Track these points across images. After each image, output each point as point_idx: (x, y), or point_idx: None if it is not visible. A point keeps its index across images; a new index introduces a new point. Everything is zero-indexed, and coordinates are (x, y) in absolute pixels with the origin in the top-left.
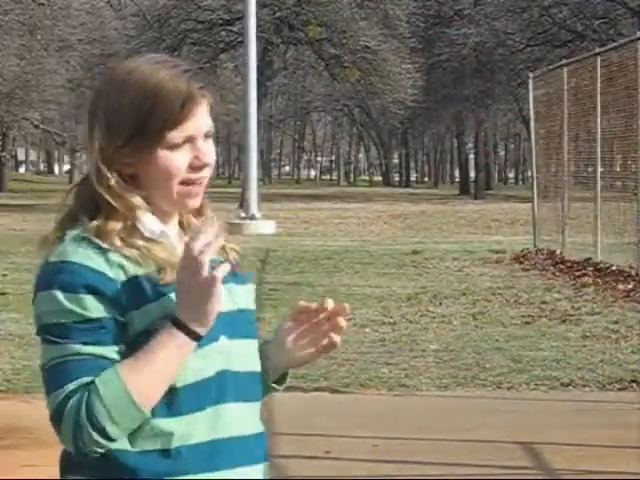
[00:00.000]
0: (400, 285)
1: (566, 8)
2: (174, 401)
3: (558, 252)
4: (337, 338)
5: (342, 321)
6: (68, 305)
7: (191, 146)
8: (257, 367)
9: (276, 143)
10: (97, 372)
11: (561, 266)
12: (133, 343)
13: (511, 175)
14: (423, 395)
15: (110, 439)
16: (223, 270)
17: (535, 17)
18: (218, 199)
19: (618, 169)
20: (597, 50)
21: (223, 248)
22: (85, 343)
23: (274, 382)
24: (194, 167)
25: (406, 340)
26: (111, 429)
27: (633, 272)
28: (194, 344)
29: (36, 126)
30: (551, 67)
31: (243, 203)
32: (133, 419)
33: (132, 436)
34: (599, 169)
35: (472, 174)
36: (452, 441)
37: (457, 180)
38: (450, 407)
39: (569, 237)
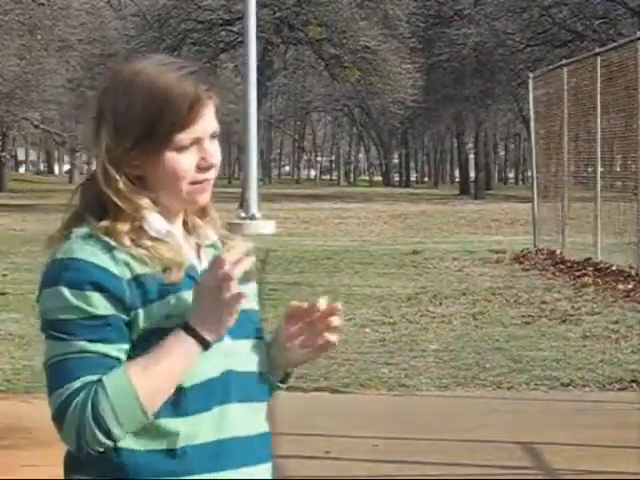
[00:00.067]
0: (400, 285)
1: (566, 8)
2: (180, 401)
3: (558, 252)
4: (333, 337)
5: (335, 320)
6: (74, 301)
7: (198, 147)
8: (261, 367)
9: (276, 143)
10: (102, 370)
11: (561, 266)
12: (137, 342)
13: (511, 175)
14: (423, 395)
15: (113, 439)
16: (249, 289)
17: (535, 17)
18: (218, 199)
19: (618, 169)
20: (597, 50)
21: (226, 247)
22: (90, 340)
23: (279, 381)
24: (201, 168)
25: (406, 340)
26: (115, 430)
27: (633, 272)
28: (201, 351)
29: (36, 126)
30: (551, 67)
31: (243, 203)
32: (137, 421)
33: (138, 436)
34: (599, 169)
35: (472, 174)
36: (452, 441)
37: (457, 180)
38: (450, 407)
39: (569, 237)
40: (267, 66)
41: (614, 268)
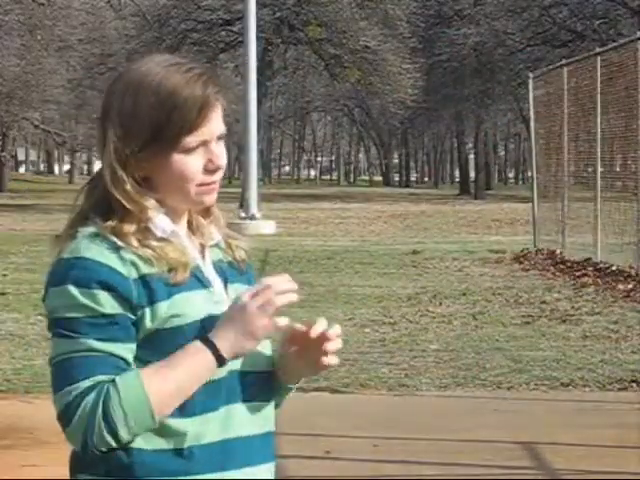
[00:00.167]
0: (400, 285)
1: (566, 8)
2: (188, 401)
3: (558, 252)
4: (332, 361)
5: (332, 346)
6: (82, 300)
7: (205, 149)
8: (265, 367)
9: (276, 143)
10: (111, 370)
11: (561, 266)
12: (143, 342)
13: (511, 175)
14: (423, 395)
15: (119, 442)
16: (284, 321)
17: (535, 17)
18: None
19: (618, 169)
20: (597, 50)
21: (229, 246)
22: (98, 339)
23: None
24: (208, 170)
25: (406, 340)
26: (123, 432)
27: (633, 272)
28: (216, 367)
29: (36, 126)
30: (551, 67)
31: (243, 203)
32: (145, 426)
33: (146, 435)
34: (599, 169)
35: (472, 174)
36: (452, 441)
37: (457, 180)
38: (450, 407)
39: (569, 237)
40: (267, 66)
41: (614, 268)
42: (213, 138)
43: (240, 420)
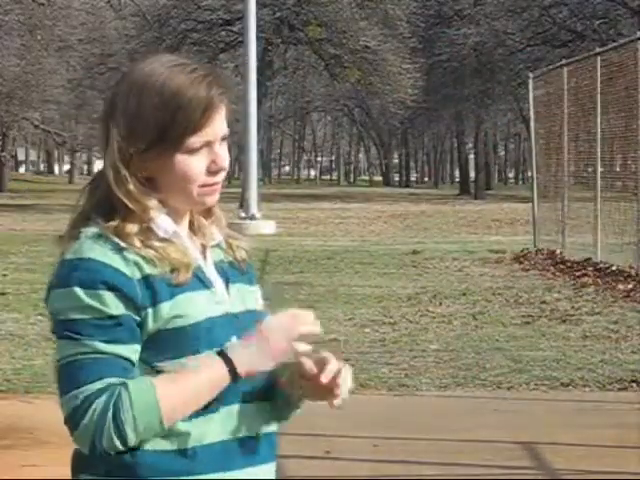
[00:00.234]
0: (400, 285)
1: (566, 8)
2: None
3: (558, 252)
4: (339, 401)
5: (343, 390)
6: (88, 301)
7: (209, 150)
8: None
9: (276, 143)
10: (118, 372)
11: (561, 266)
12: (146, 343)
13: (511, 175)
14: (423, 395)
15: (126, 446)
16: (304, 348)
17: (535, 17)
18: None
19: (618, 169)
20: (597, 50)
21: (230, 246)
22: (105, 341)
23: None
24: (211, 171)
25: (406, 340)
26: (132, 437)
27: (633, 272)
28: (229, 382)
29: (36, 126)
30: (551, 67)
31: (243, 203)
32: (154, 431)
33: None
34: (599, 169)
35: (472, 174)
36: (452, 441)
37: (457, 180)
38: (450, 407)
39: (569, 237)
40: (267, 66)
41: (614, 268)
42: (217, 139)
43: (241, 420)
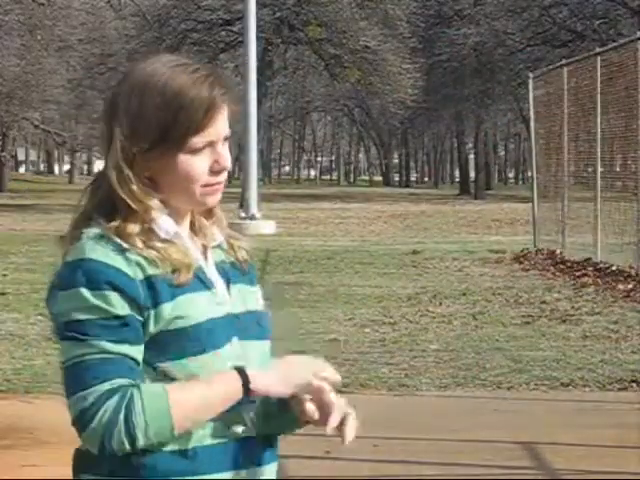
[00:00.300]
0: (400, 285)
1: (566, 8)
2: None
3: (558, 252)
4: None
5: (348, 438)
6: (94, 301)
7: (211, 150)
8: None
9: (276, 143)
10: (126, 372)
11: (561, 266)
12: (148, 344)
13: (511, 175)
14: (423, 395)
15: (135, 448)
16: (319, 382)
17: (535, 17)
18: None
19: (618, 169)
20: (597, 50)
21: (231, 247)
22: (112, 341)
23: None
24: (214, 171)
25: (406, 340)
26: (141, 440)
27: (633, 272)
28: (241, 398)
29: (36, 126)
30: (551, 67)
31: (243, 203)
32: (163, 437)
33: None
34: (599, 169)
35: (472, 174)
36: (452, 441)
37: (457, 180)
38: (450, 407)
39: (569, 237)
40: (267, 66)
41: (614, 268)
42: (219, 139)
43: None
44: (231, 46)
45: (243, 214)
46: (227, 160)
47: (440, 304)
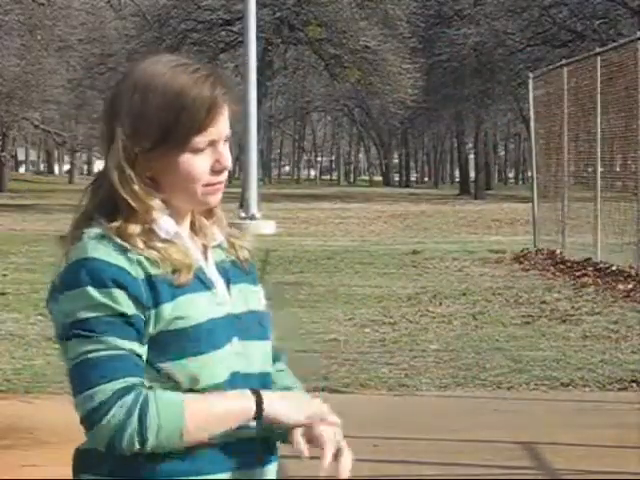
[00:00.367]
0: (400, 285)
1: (566, 8)
2: None
3: (558, 252)
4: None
5: (343, 471)
6: (101, 299)
7: (213, 150)
8: (268, 368)
9: (276, 143)
10: (135, 370)
11: (561, 266)
12: (148, 344)
13: (511, 175)
14: (423, 395)
15: (144, 449)
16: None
17: (535, 17)
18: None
19: (618, 169)
20: (597, 50)
21: (232, 246)
22: (120, 337)
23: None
24: (215, 171)
25: (406, 340)
26: (152, 443)
27: (633, 272)
28: (252, 419)
29: (36, 126)
30: (551, 67)
31: (243, 203)
32: (172, 444)
33: None
34: (599, 169)
35: (472, 174)
36: (452, 441)
37: (457, 180)
38: (450, 407)
39: (569, 237)
40: (267, 66)
41: (614, 268)
42: (221, 139)
43: None
44: (231, 46)
45: (243, 214)
46: (228, 160)
47: (440, 304)
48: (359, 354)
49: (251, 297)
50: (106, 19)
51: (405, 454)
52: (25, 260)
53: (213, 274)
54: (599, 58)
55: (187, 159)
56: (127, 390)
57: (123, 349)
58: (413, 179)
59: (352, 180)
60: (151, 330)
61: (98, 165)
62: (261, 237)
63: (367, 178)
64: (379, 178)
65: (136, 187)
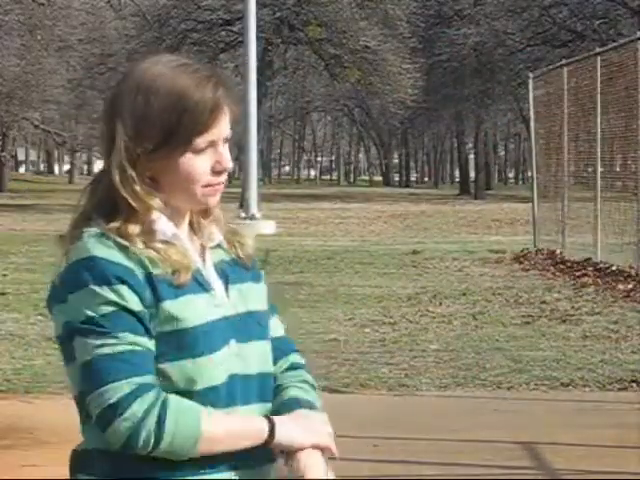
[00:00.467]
0: (400, 285)
1: (566, 8)
2: None
3: (558, 252)
4: None
5: None
6: (108, 296)
7: (213, 150)
8: (268, 368)
9: (276, 143)
10: (150, 366)
11: (561, 266)
12: None
13: (511, 175)
14: (423, 395)
15: (155, 450)
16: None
17: (535, 17)
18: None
19: (618, 169)
20: (597, 50)
21: (232, 243)
22: (133, 332)
23: None
24: (215, 171)
25: (406, 340)
26: (164, 446)
27: (633, 272)
28: (263, 441)
29: (36, 126)
30: (551, 67)
31: (243, 203)
32: (183, 451)
33: None
34: (599, 169)
35: (472, 174)
36: (452, 441)
37: (457, 180)
38: (450, 407)
39: (569, 237)
40: (267, 66)
41: (614, 268)
42: (221, 139)
43: None
44: (231, 46)
45: (243, 214)
46: (228, 160)
47: (440, 304)
48: (359, 354)
49: (251, 296)
50: (106, 19)
51: (405, 454)
52: (25, 260)
53: (211, 275)
54: (599, 58)
55: (188, 160)
56: (147, 388)
57: (137, 344)
58: (413, 179)
59: (352, 180)
60: (151, 330)
61: (98, 165)
62: (261, 237)
63: (367, 178)
64: (379, 178)
65: (137, 187)
